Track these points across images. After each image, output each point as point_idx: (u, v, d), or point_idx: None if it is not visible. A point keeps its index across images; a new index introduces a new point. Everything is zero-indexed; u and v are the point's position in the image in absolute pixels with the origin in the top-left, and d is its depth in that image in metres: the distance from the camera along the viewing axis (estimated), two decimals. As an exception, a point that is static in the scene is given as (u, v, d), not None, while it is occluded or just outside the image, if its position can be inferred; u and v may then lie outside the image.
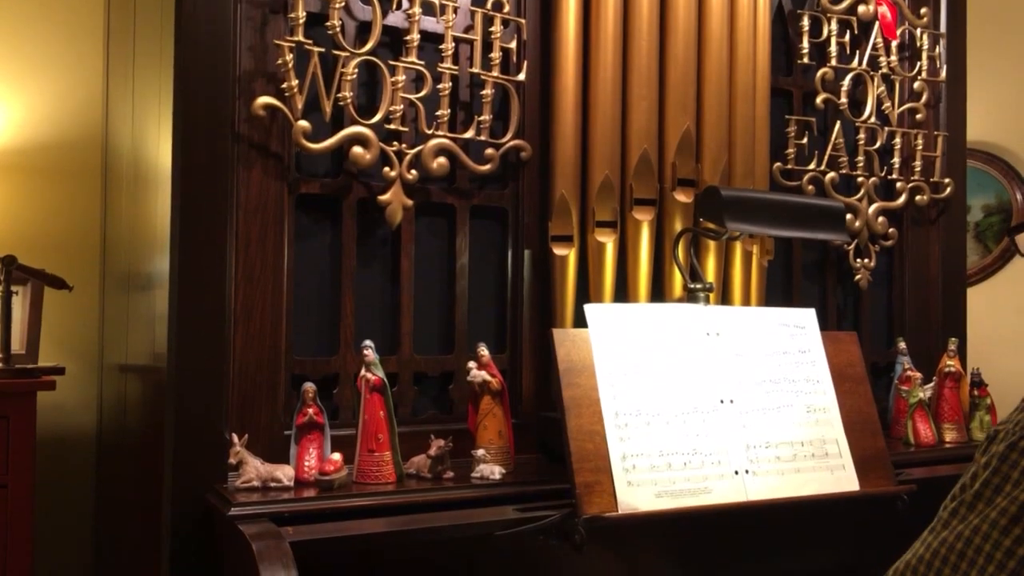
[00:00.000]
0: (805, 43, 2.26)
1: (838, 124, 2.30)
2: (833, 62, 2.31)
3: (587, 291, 1.92)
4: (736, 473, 1.66)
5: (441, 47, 1.84)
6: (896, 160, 2.40)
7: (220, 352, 1.63)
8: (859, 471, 1.77)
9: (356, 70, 1.76)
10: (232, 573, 1.44)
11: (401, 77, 1.80)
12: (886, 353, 2.43)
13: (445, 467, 1.66)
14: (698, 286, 1.86)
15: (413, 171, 1.82)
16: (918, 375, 2.22)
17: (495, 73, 1.89)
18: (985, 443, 0.96)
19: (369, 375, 1.64)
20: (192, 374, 1.60)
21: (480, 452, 1.68)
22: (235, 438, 1.57)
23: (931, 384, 2.26)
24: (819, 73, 2.30)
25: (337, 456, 1.59)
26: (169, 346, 1.60)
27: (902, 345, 2.31)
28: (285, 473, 1.58)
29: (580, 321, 1.70)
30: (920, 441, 2.15)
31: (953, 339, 2.29)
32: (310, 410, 1.63)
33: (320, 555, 1.39)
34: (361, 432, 1.63)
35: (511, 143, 1.92)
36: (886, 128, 2.39)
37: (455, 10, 1.84)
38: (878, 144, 2.38)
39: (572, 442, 1.54)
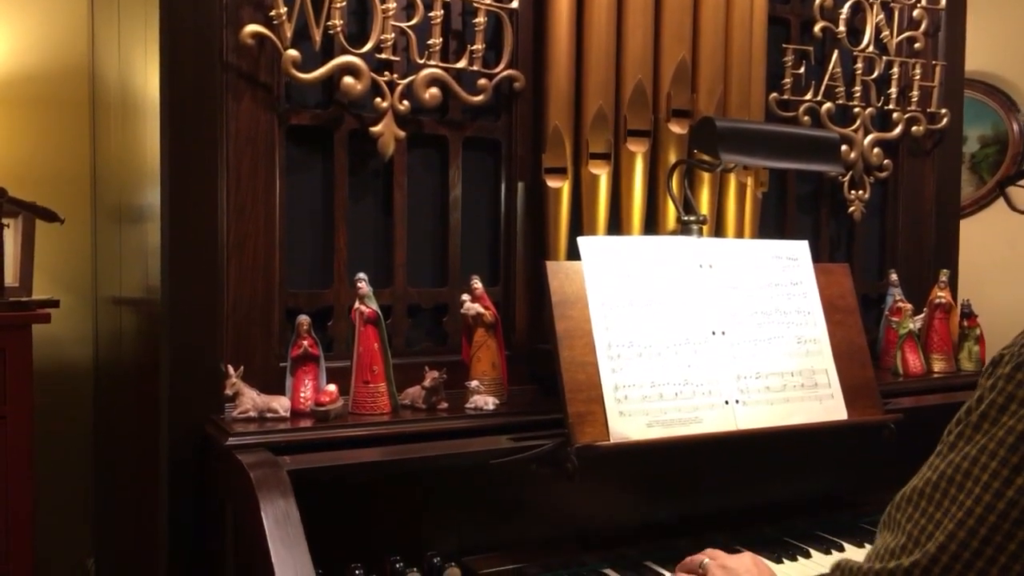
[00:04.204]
0: (804, -31, 2.22)
1: (835, 53, 2.27)
2: (832, -11, 2.27)
3: (580, 223, 1.92)
4: (726, 403, 1.68)
5: (432, -27, 1.80)
6: (893, 90, 2.38)
7: (214, 285, 1.63)
8: (848, 400, 1.80)
9: (346, -3, 1.73)
10: (230, 502, 1.47)
11: (392, 5, 1.76)
12: (878, 285, 2.44)
13: (439, 398, 1.68)
14: (692, 218, 1.86)
15: (405, 102, 1.79)
16: (908, 306, 2.24)
17: (488, 0, 1.85)
18: (990, 367, 0.95)
19: (363, 307, 1.64)
20: (186, 307, 1.60)
21: (474, 383, 1.70)
22: (231, 370, 1.59)
23: (921, 315, 2.28)
24: (817, 1, 2.26)
25: (332, 387, 1.61)
26: (162, 279, 1.60)
27: (893, 277, 2.33)
28: (281, 404, 1.59)
29: (573, 253, 1.70)
30: (909, 371, 2.18)
31: (944, 271, 2.30)
32: (305, 342, 1.64)
33: (317, 484, 1.42)
34: (356, 364, 1.65)
35: (504, 73, 1.89)
36: (884, 57, 2.36)
37: (446, -65, 1.80)
38: (875, 74, 2.35)
39: (565, 373, 1.56)
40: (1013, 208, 1.22)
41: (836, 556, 1.70)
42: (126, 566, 2.15)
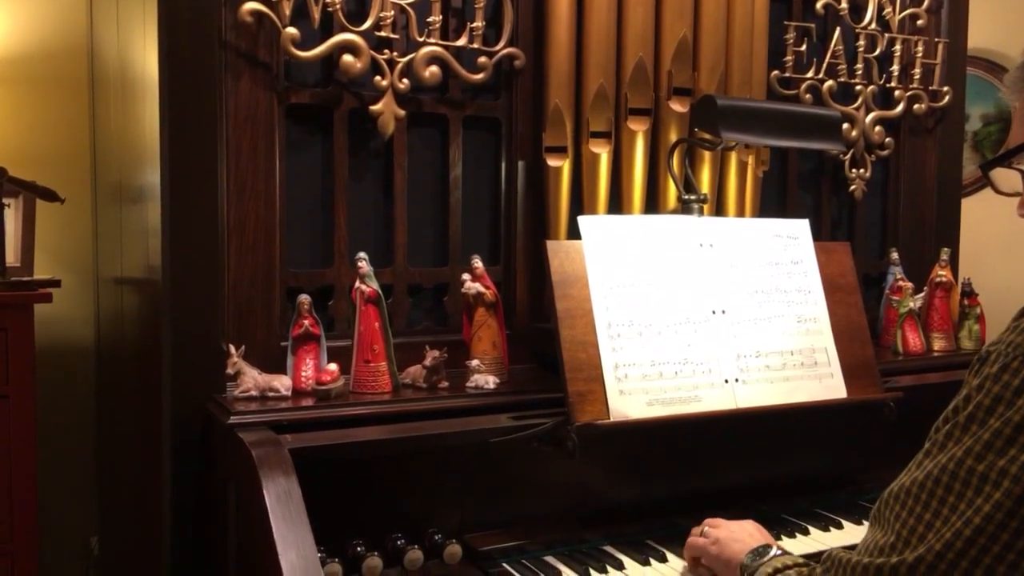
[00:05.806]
0: (806, -55, 2.20)
1: (838, 30, 2.26)
2: (835, -35, 2.25)
3: (581, 202, 1.92)
4: (726, 382, 1.68)
5: (432, -50, 1.79)
6: (895, 68, 2.36)
7: (214, 265, 1.63)
8: (847, 379, 1.80)
9: (345, -25, 1.72)
10: (232, 480, 1.48)
11: (391, -18, 1.75)
12: (878, 263, 2.44)
13: (440, 377, 1.69)
14: (692, 197, 1.86)
15: (405, 80, 1.79)
16: (909, 285, 2.24)
17: (488, -22, 1.84)
18: (976, 365, 0.95)
19: (364, 287, 1.65)
20: (187, 287, 1.60)
21: (475, 362, 1.70)
22: (232, 349, 1.59)
23: (922, 294, 2.28)
24: (820, -23, 2.25)
25: (334, 366, 1.62)
26: (163, 259, 1.60)
27: (894, 255, 2.32)
28: (283, 383, 1.60)
29: (574, 232, 1.70)
30: (909, 350, 2.18)
31: (945, 249, 2.30)
32: (306, 321, 1.65)
33: (318, 462, 1.42)
34: (357, 343, 1.65)
35: (504, 51, 1.88)
36: (886, 35, 2.34)
37: (446, -89, 1.79)
38: (878, 51, 2.34)
39: (565, 352, 1.56)
40: (997, 191, 1.19)
41: (834, 533, 1.71)
42: (129, 544, 2.17)
